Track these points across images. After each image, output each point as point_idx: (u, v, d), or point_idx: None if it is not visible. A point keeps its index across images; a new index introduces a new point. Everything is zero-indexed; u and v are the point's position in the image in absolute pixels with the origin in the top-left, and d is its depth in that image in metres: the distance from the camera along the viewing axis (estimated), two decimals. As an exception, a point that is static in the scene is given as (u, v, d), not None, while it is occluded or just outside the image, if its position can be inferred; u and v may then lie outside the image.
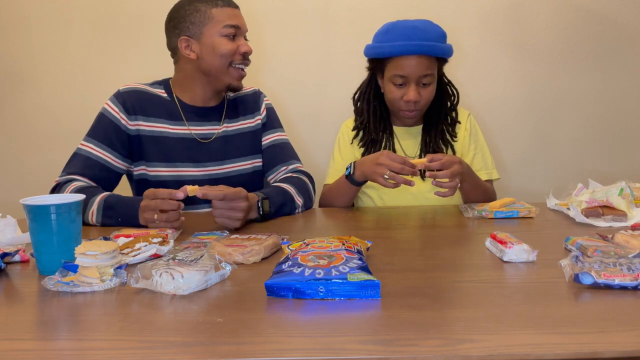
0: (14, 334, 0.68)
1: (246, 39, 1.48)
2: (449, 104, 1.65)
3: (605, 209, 1.25)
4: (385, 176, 1.35)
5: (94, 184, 1.39)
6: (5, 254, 0.96)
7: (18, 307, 0.79)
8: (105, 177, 1.42)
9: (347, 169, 1.49)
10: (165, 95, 1.50)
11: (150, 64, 2.08)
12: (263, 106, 1.62)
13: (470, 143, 1.66)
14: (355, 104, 1.68)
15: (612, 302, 0.74)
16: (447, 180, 1.36)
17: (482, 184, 1.57)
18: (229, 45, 1.42)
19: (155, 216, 1.19)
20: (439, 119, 1.63)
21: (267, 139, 1.61)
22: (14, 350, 0.64)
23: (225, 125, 1.54)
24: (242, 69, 1.47)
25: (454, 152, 1.63)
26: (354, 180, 1.46)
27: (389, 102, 1.59)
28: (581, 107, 2.20)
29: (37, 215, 0.91)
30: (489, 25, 2.15)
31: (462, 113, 1.68)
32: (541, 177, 2.22)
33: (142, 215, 1.23)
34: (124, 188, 1.51)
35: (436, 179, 1.36)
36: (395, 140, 1.65)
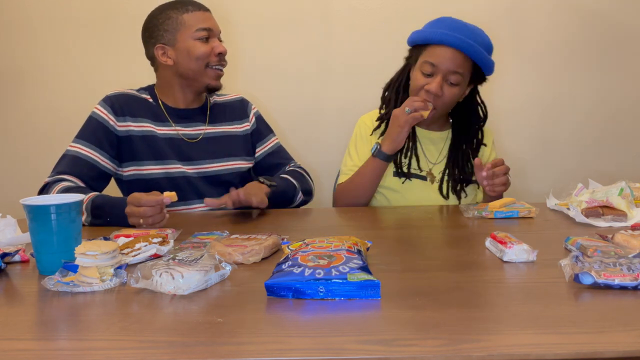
0: (14, 334, 0.68)
1: (220, 40, 1.51)
2: (476, 126, 1.62)
3: (605, 209, 1.25)
4: (408, 110, 1.42)
5: (81, 184, 1.39)
6: (5, 254, 0.96)
7: (18, 307, 0.79)
8: (93, 176, 1.43)
9: (373, 148, 1.52)
10: (150, 100, 1.53)
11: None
12: (252, 114, 1.66)
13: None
14: (383, 93, 1.65)
15: (612, 302, 0.74)
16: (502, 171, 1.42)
17: None
18: (203, 48, 1.46)
19: (141, 220, 1.21)
20: (467, 137, 1.61)
21: (264, 147, 1.65)
22: (14, 350, 0.64)
23: (210, 127, 1.57)
24: (220, 69, 1.50)
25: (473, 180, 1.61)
26: (383, 154, 1.49)
27: (411, 90, 1.55)
28: (581, 107, 2.20)
29: (37, 215, 0.91)
30: (490, 25, 2.13)
31: (488, 134, 1.66)
32: (541, 177, 2.22)
33: (128, 218, 1.24)
34: (113, 192, 1.52)
35: (491, 179, 1.41)
36: (418, 144, 1.61)
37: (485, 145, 1.64)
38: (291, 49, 2.15)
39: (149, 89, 1.56)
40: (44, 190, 1.36)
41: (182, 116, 1.54)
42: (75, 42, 2.15)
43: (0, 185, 2.22)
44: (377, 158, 1.51)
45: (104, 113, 1.46)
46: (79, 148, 1.43)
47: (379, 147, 1.50)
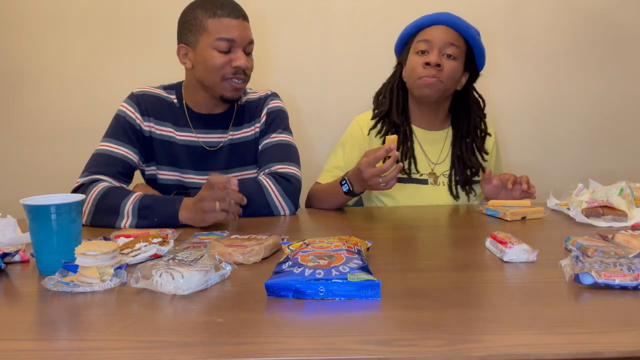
0: (14, 334, 0.68)
1: (248, 52, 1.40)
2: (477, 117, 1.61)
3: (605, 209, 1.25)
4: (382, 184, 1.30)
5: (117, 184, 1.37)
6: (5, 254, 0.96)
7: (18, 307, 0.79)
8: (126, 173, 1.42)
9: (342, 185, 1.40)
10: (175, 101, 1.49)
11: (155, 65, 2.08)
12: (264, 111, 1.52)
13: (499, 156, 1.70)
14: (376, 98, 1.64)
15: (612, 302, 0.74)
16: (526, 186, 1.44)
17: None
18: (219, 59, 1.35)
19: (217, 205, 1.18)
20: (468, 129, 1.60)
21: (261, 145, 1.51)
22: (14, 350, 0.64)
23: (231, 133, 1.50)
24: (237, 82, 1.39)
25: (483, 170, 1.59)
26: (355, 193, 1.40)
27: (409, 73, 1.52)
28: (582, 107, 2.20)
29: (37, 215, 0.91)
30: (490, 25, 2.14)
31: (491, 126, 1.68)
32: (541, 177, 2.22)
33: (203, 203, 1.19)
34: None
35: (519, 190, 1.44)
36: (417, 145, 1.59)
37: (490, 135, 1.64)
38: (291, 49, 2.15)
39: (177, 88, 1.50)
40: (79, 190, 1.33)
41: (205, 122, 1.48)
42: (76, 43, 2.15)
43: (0, 185, 2.22)
44: (346, 193, 1.40)
45: (130, 111, 1.44)
46: (109, 146, 1.41)
47: (350, 186, 1.38)
